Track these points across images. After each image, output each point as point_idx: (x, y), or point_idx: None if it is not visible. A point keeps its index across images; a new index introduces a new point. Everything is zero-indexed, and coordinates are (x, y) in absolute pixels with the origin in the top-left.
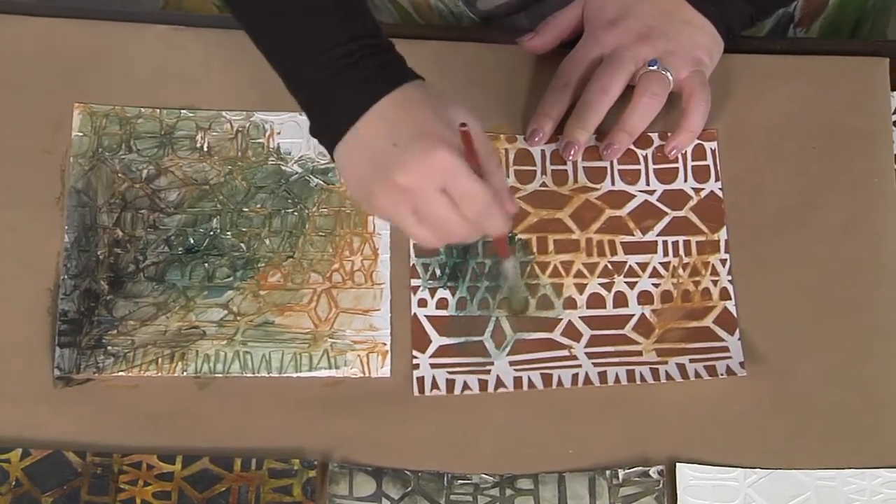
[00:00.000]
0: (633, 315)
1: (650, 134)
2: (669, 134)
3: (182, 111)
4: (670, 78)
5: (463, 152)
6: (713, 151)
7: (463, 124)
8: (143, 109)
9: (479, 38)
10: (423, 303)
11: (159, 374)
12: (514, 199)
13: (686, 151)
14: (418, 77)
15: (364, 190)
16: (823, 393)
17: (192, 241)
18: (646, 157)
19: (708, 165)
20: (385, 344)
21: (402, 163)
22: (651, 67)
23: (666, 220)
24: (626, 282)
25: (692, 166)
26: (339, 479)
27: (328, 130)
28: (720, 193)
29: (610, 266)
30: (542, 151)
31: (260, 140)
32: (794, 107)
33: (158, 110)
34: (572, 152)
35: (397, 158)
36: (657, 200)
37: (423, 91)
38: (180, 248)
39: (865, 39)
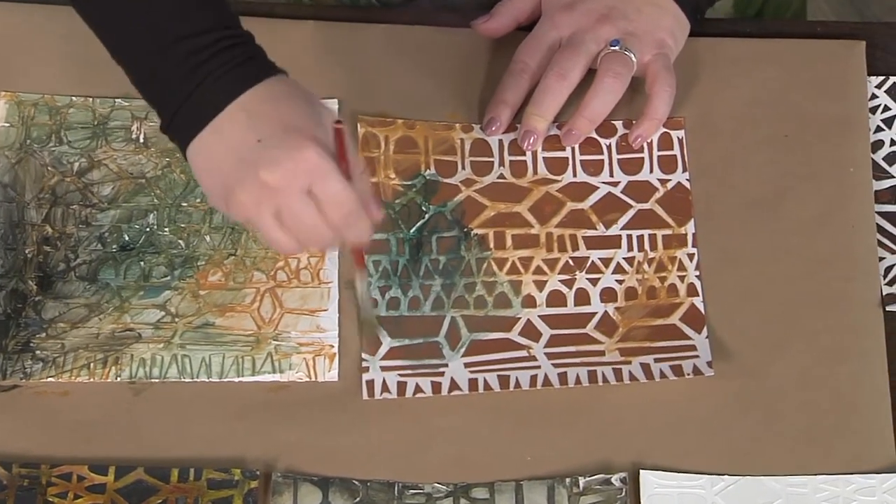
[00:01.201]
0: (596, 313)
1: (614, 122)
2: (634, 122)
3: (117, 100)
4: (633, 59)
5: (333, 153)
6: (680, 140)
7: (338, 121)
8: (74, 98)
9: (426, 20)
10: (373, 303)
11: (91, 379)
12: (379, 206)
13: (651, 140)
14: (282, 71)
15: (222, 188)
16: (795, 394)
17: (126, 238)
18: (609, 147)
19: (675, 155)
20: (333, 346)
21: (269, 159)
22: (613, 48)
23: (630, 213)
24: (588, 278)
25: (658, 156)
26: (283, 490)
27: (184, 126)
28: (687, 185)
29: (571, 262)
30: (500, 141)
31: None
32: (764, 93)
33: (91, 99)
34: (530, 141)
35: (263, 155)
36: (621, 192)
37: (290, 86)
38: (114, 246)
39: (778, 15)
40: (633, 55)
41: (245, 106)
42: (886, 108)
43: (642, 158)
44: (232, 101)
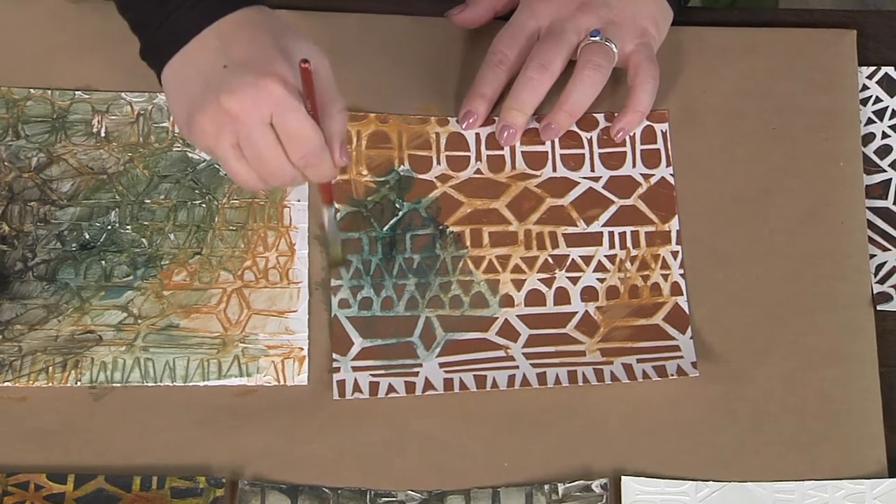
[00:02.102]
0: (576, 313)
1: (595, 115)
2: (616, 115)
3: (77, 92)
4: (615, 50)
5: (299, 89)
6: (664, 134)
7: (304, 61)
8: (32, 90)
9: (401, 9)
10: (344, 303)
11: (50, 384)
12: (346, 150)
13: (634, 134)
14: (261, 3)
15: (187, 114)
16: (782, 396)
17: (87, 237)
18: (590, 141)
19: (658, 149)
20: (302, 349)
21: (230, 86)
22: (593, 38)
23: (612, 209)
24: (568, 277)
25: (641, 150)
26: (250, 499)
27: (159, 50)
28: (671, 180)
29: (551, 260)
30: (477, 135)
31: (164, 124)
32: (751, 84)
33: (50, 91)
34: (507, 136)
35: (226, 81)
36: (603, 188)
37: (267, 17)
38: (74, 245)
39: (753, 3)
40: (614, 46)
41: (218, 32)
42: (878, 100)
43: (624, 153)
44: (205, 27)
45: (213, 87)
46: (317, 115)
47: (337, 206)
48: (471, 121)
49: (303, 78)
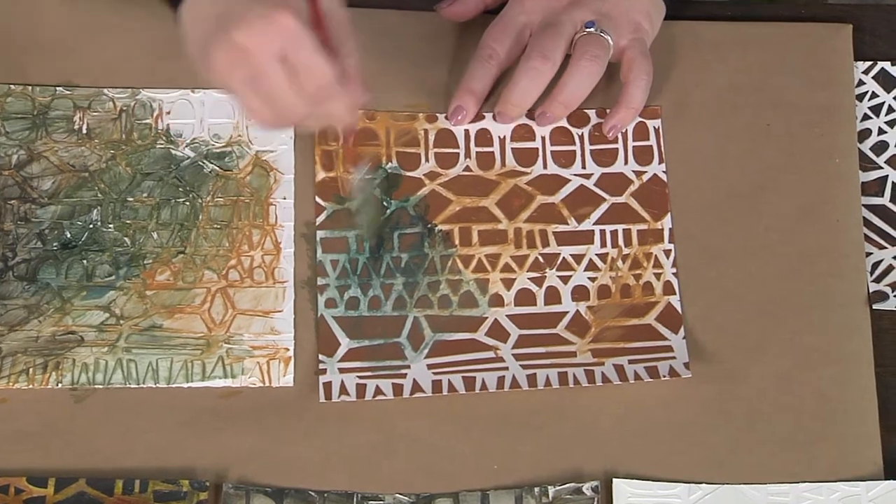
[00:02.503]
0: (567, 312)
1: (587, 111)
2: (608, 111)
3: (58, 88)
4: (610, 41)
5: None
6: (656, 130)
7: None
8: (12, 86)
9: (388, 3)
10: (331, 303)
11: (30, 385)
12: (365, 88)
13: (626, 130)
14: None
15: (202, 49)
16: (777, 397)
17: (68, 236)
18: (582, 137)
19: (651, 146)
20: (288, 350)
21: (242, 20)
22: (588, 29)
23: (604, 206)
24: (559, 276)
25: (633, 147)
26: (235, 502)
27: None
28: (664, 177)
29: (541, 259)
30: (466, 132)
31: (147, 121)
32: (745, 79)
33: (30, 87)
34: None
35: (238, 15)
36: (594, 185)
37: None
38: (55, 244)
39: None
40: (609, 37)
41: None
42: (874, 95)
43: (616, 149)
44: None
45: (226, 22)
46: (331, 51)
47: (323, 203)
48: (460, 117)
49: (311, 11)
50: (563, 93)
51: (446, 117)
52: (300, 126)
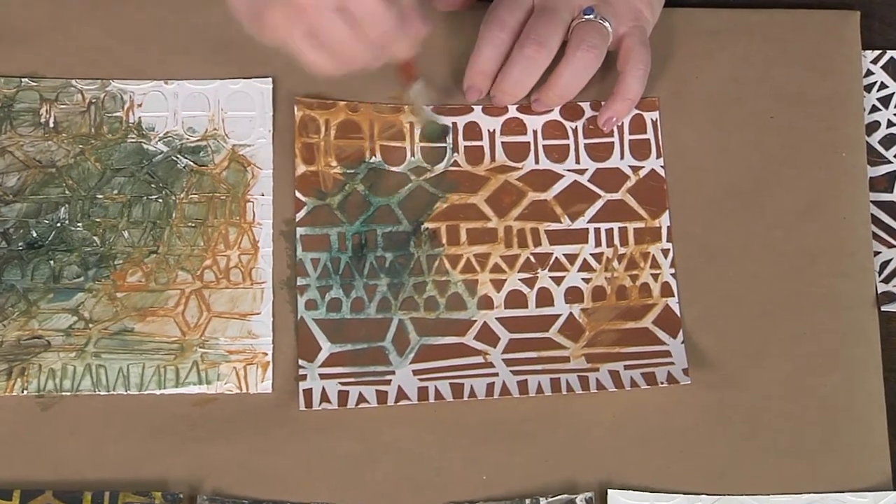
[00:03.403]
0: (560, 315)
1: (580, 103)
2: (603, 103)
3: (23, 80)
4: (609, 29)
5: None
6: (654, 123)
7: None
8: None
9: None
10: (311, 304)
11: None
12: (424, 19)
13: (623, 123)
14: None
15: (253, 10)
16: (780, 404)
17: (34, 235)
18: (575, 131)
19: (648, 140)
20: (266, 354)
21: None
22: (587, 16)
23: (599, 204)
24: (551, 277)
25: (630, 141)
26: None
27: None
28: (662, 172)
29: (533, 259)
30: (454, 124)
31: (117, 113)
32: (747, 69)
33: None
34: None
35: None
36: (588, 181)
37: None
38: (21, 243)
39: None
40: (608, 25)
41: None
42: (883, 86)
43: (612, 143)
44: None
45: None
46: None
47: (304, 198)
48: (474, 95)
49: None
50: (558, 84)
51: (433, 110)
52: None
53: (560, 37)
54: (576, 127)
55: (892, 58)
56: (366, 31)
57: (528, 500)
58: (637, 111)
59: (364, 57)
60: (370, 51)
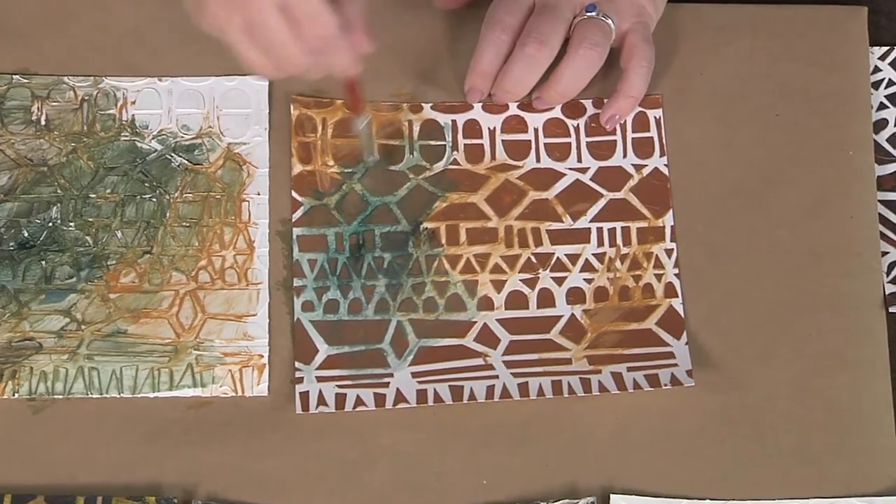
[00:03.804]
0: (562, 316)
1: (583, 101)
2: (606, 101)
3: (14, 76)
4: (612, 26)
5: None
6: (657, 121)
7: None
8: None
9: None
10: (308, 306)
11: None
12: (367, 36)
13: (625, 121)
14: None
15: None
16: (785, 407)
17: (26, 235)
18: (577, 129)
19: (651, 137)
20: (262, 356)
21: None
22: (589, 14)
23: (601, 203)
24: (552, 277)
25: (632, 139)
26: None
27: None
28: (665, 171)
29: (534, 259)
30: (453, 122)
31: (110, 111)
32: (752, 66)
33: None
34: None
35: None
36: (591, 180)
37: None
38: (12, 243)
39: None
40: (611, 22)
41: None
42: (891, 83)
43: (614, 141)
44: None
45: None
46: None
47: (300, 198)
48: (475, 97)
49: None
50: (559, 82)
51: (432, 108)
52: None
53: (562, 35)
54: (577, 125)
55: None
56: (304, 34)
57: None
58: (640, 108)
59: (300, 61)
60: (308, 55)
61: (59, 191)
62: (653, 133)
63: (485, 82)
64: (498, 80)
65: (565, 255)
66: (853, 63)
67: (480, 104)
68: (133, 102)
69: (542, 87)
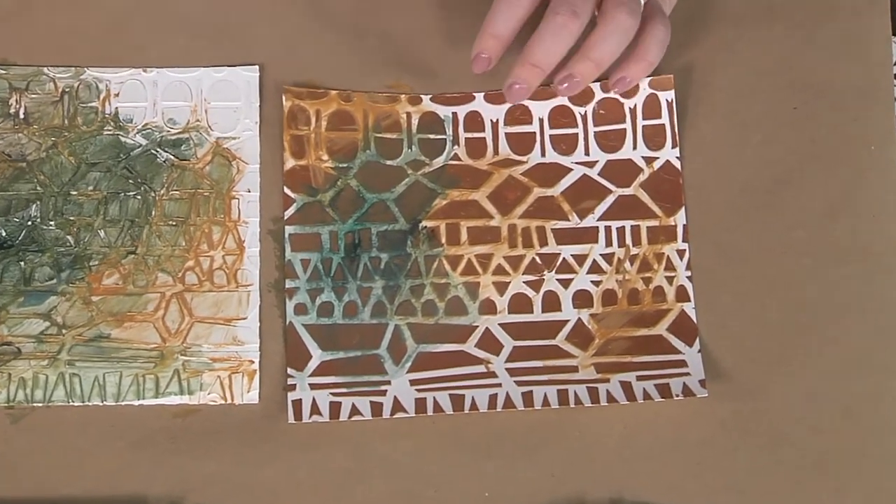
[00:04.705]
0: (568, 321)
1: (590, 84)
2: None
3: None
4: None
5: None
6: (669, 105)
7: None
8: None
9: None
10: (301, 309)
11: None
12: None
13: (636, 106)
14: None
15: None
16: (802, 416)
17: (3, 234)
18: (584, 117)
19: (663, 125)
20: (253, 362)
21: None
22: None
23: (609, 199)
24: (558, 279)
25: (643, 127)
26: None
27: None
28: (678, 164)
29: (538, 260)
30: (454, 115)
31: (93, 104)
32: (769, 57)
33: None
34: (516, 90)
35: None
36: (599, 175)
37: None
38: None
39: None
40: None
41: None
42: None
43: (624, 130)
44: None
45: None
46: None
47: (293, 195)
48: (482, 65)
49: None
50: (594, 49)
51: (431, 99)
52: None
53: (592, 8)
54: (585, 112)
55: None
56: None
57: None
58: (651, 90)
59: None
60: None
61: (38, 188)
62: (664, 119)
63: (496, 47)
64: (525, 53)
65: (572, 255)
66: (875, 54)
67: (482, 94)
68: (116, 95)
69: (574, 57)
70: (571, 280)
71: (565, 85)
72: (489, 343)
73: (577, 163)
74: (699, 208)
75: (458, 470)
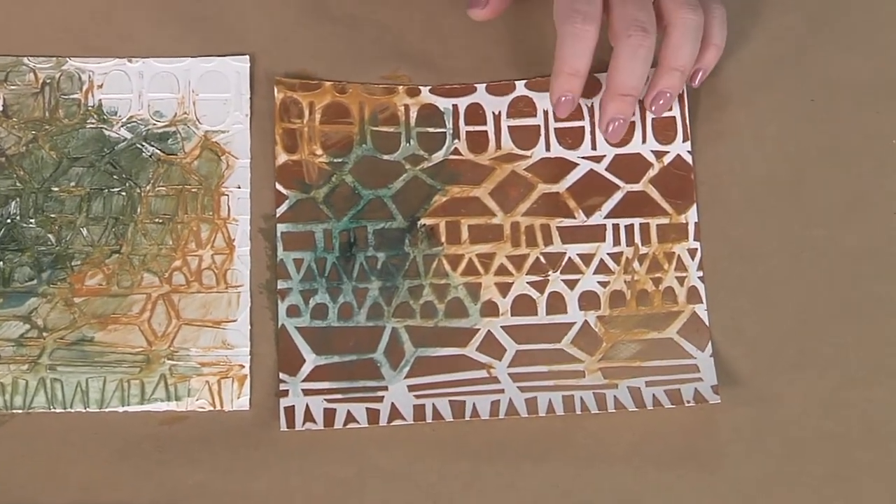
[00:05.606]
0: (574, 324)
1: (597, 75)
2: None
3: None
4: None
5: None
6: (679, 97)
7: None
8: None
9: None
10: (294, 311)
11: None
12: None
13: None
14: None
15: None
16: (819, 423)
17: None
18: (591, 109)
19: (673, 118)
20: (243, 366)
21: None
22: None
23: (617, 196)
24: (564, 280)
25: (652, 119)
26: None
27: None
28: (689, 158)
29: (543, 259)
30: (454, 107)
31: (75, 95)
32: (784, 48)
33: None
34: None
35: None
36: (606, 170)
37: None
38: None
39: None
40: None
41: None
42: None
43: (632, 123)
44: None
45: None
46: None
47: (285, 191)
48: (568, 108)
49: None
50: (676, 57)
51: (430, 91)
52: None
53: (653, 16)
54: (591, 104)
55: None
56: None
57: None
58: None
59: None
60: None
61: (17, 184)
62: (675, 112)
63: (577, 84)
64: (610, 84)
65: (578, 255)
66: (895, 45)
67: (484, 85)
68: (100, 86)
69: (657, 74)
70: (577, 281)
71: (660, 103)
72: (491, 347)
73: (583, 157)
74: (711, 205)
75: (458, 480)
